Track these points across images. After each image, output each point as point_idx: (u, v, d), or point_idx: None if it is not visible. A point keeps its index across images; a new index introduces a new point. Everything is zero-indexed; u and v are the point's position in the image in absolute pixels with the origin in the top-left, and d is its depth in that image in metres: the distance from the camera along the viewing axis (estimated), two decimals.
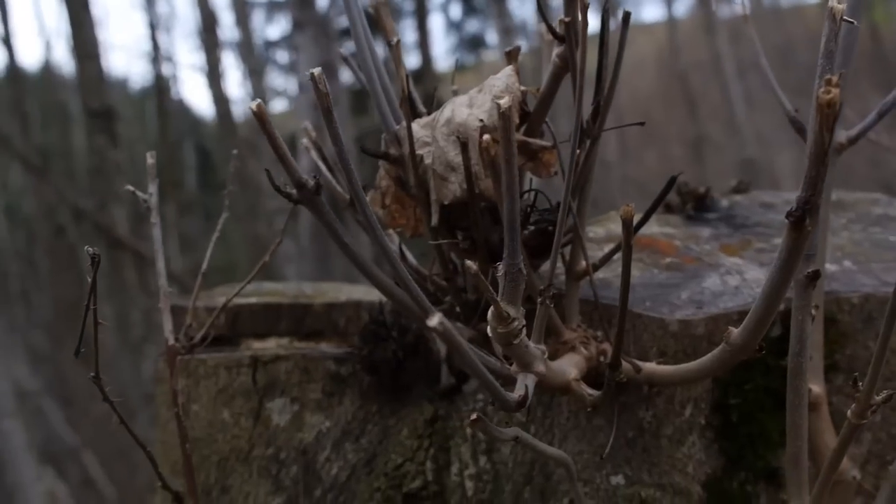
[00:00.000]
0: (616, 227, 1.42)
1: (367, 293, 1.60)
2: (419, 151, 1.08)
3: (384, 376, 1.27)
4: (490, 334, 0.87)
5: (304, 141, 1.21)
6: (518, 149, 1.08)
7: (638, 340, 1.16)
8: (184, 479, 1.14)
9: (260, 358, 1.32)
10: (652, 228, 1.41)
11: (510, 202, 0.80)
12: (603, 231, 1.41)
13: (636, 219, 1.16)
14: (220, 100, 7.28)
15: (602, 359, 1.11)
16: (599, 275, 1.24)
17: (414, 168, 1.07)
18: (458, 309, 1.15)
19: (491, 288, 0.81)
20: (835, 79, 0.73)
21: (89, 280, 0.91)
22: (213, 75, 7.14)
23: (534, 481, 1.17)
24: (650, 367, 1.07)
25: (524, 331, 0.87)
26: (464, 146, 1.01)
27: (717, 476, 1.14)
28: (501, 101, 0.77)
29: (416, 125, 1.11)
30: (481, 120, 1.04)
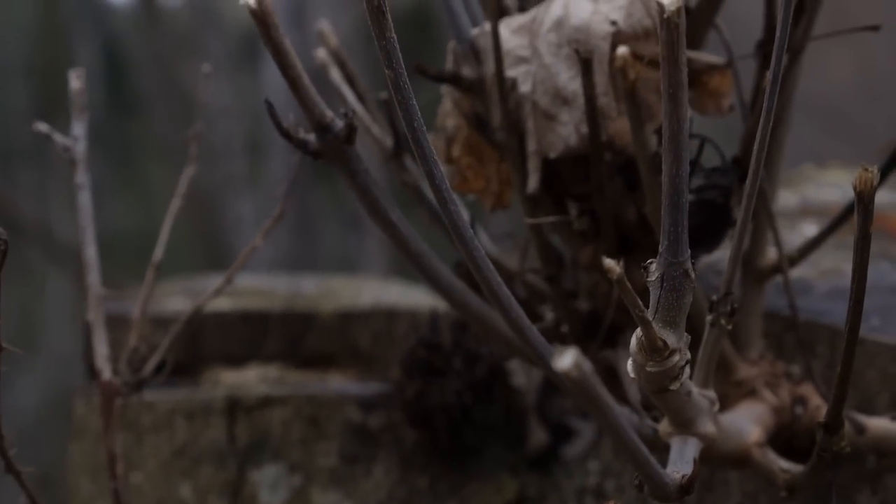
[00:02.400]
0: (815, 192, 1.42)
1: (404, 294, 1.61)
2: (511, 73, 1.08)
3: (440, 431, 1.28)
4: (634, 373, 0.87)
5: (321, 52, 1.22)
6: None
7: (858, 381, 1.16)
8: None
9: (240, 400, 1.34)
10: (882, 196, 1.40)
11: (674, 161, 0.81)
12: (795, 199, 1.41)
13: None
14: None
15: (799, 409, 1.11)
16: (794, 273, 1.23)
17: (502, 100, 1.07)
18: (564, 327, 1.16)
19: (639, 301, 0.81)
20: None
21: None
22: None
23: None
24: (880, 425, 1.07)
25: (688, 368, 0.88)
26: (585, 65, 1.01)
27: None
28: (666, 1, 0.77)
29: (505, 28, 1.11)
30: (614, 22, 1.04)
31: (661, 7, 0.77)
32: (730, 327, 0.95)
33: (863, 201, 0.82)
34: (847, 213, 1.13)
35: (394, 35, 0.88)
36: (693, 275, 0.85)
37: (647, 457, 0.80)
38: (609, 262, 0.79)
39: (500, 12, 1.19)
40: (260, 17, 0.96)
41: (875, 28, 1.09)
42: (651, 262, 0.85)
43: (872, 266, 1.26)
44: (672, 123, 0.80)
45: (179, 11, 7.76)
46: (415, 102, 0.88)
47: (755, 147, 0.89)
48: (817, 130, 9.11)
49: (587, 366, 0.67)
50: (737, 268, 0.93)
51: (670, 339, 0.85)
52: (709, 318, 0.94)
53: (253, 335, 1.53)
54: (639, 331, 0.85)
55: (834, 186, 1.41)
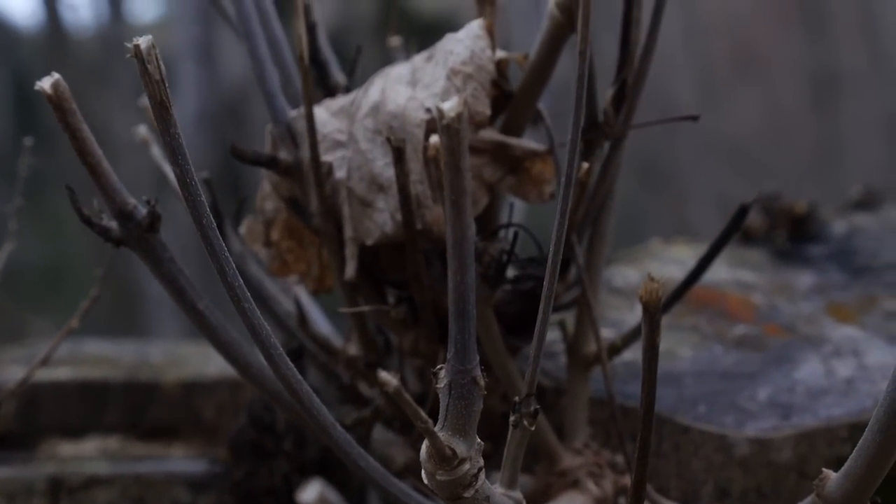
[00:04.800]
0: (660, 268, 1.41)
1: None
2: (327, 157, 1.06)
3: None
4: (426, 480, 0.85)
5: (141, 129, 1.19)
6: (492, 155, 1.07)
7: (685, 471, 1.14)
8: None
9: (64, 480, 1.30)
10: (720, 272, 1.40)
11: (458, 269, 0.79)
12: (637, 275, 1.40)
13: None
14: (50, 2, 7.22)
15: (622, 501, 1.10)
16: (625, 357, 1.22)
17: (318, 185, 1.05)
18: (389, 412, 1.13)
19: (421, 412, 0.79)
20: None
21: None
22: None
23: None
24: None
25: (481, 474, 0.86)
26: (398, 153, 0.98)
27: None
28: (446, 106, 0.75)
29: (322, 111, 1.09)
30: (429, 109, 1.02)
31: (440, 113, 0.75)
32: (532, 428, 0.93)
33: (649, 312, 0.80)
34: (673, 299, 1.12)
35: (179, 131, 0.85)
36: (482, 382, 0.83)
37: None
38: (384, 376, 0.76)
39: (327, 91, 1.17)
40: (56, 102, 0.93)
41: (695, 118, 1.09)
42: (441, 368, 0.83)
43: (705, 349, 1.26)
44: (455, 231, 0.78)
45: (89, 42, 7.67)
46: (203, 199, 0.86)
47: (552, 241, 0.87)
48: (726, 171, 9.24)
49: (332, 497, 0.64)
50: (537, 368, 0.91)
51: (460, 447, 0.83)
52: (511, 418, 0.92)
53: (93, 405, 1.49)
54: (427, 442, 0.82)
55: (678, 262, 1.40)
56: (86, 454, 1.45)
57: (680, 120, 1.09)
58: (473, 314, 0.81)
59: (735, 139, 9.58)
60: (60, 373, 1.48)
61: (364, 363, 1.12)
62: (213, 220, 0.86)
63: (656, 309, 0.81)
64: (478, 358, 0.82)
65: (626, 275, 1.39)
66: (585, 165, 1.01)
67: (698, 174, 8.70)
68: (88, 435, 1.48)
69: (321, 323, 1.27)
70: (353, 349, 1.17)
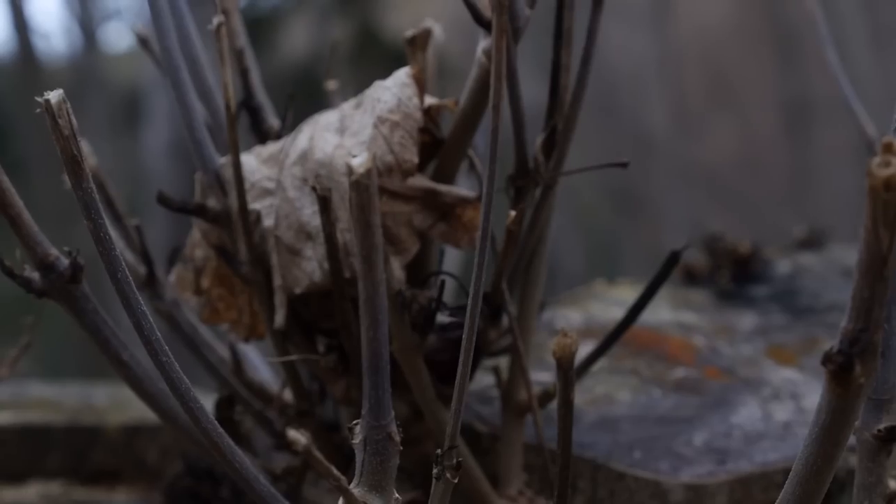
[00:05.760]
0: (602, 310, 1.41)
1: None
2: (256, 205, 1.05)
3: None
4: None
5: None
6: (422, 202, 1.06)
7: None
8: None
9: None
10: (662, 314, 1.40)
11: (371, 324, 0.78)
12: (580, 317, 1.39)
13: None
14: (21, 28, 7.21)
15: None
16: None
17: (246, 233, 1.04)
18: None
19: (333, 470, 0.78)
20: None
21: None
22: None
23: None
24: None
25: None
26: (323, 202, 0.98)
27: None
28: (355, 162, 0.75)
29: (252, 158, 1.08)
30: (355, 157, 1.02)
31: (349, 169, 0.75)
32: (456, 480, 0.92)
33: (562, 368, 0.80)
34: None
35: (92, 185, 0.85)
36: (398, 438, 0.82)
37: None
38: (293, 434, 0.76)
39: (261, 136, 1.17)
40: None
41: (624, 164, 1.08)
42: (357, 424, 0.82)
43: (644, 393, 1.25)
44: (367, 287, 0.78)
45: (61, 70, 7.66)
46: (118, 253, 0.85)
47: (470, 292, 0.86)
48: (700, 197, 9.28)
49: None
50: (459, 420, 0.90)
51: (376, 503, 0.82)
52: (434, 471, 0.91)
53: (34, 450, 1.47)
54: (342, 500, 0.82)
55: (621, 304, 1.39)
56: (27, 499, 1.43)
57: (610, 167, 1.09)
58: (387, 369, 0.80)
59: (709, 166, 9.64)
60: (2, 417, 1.47)
61: (295, 411, 1.11)
62: (128, 275, 0.85)
63: (569, 365, 0.80)
64: (392, 413, 0.81)
65: (568, 317, 1.38)
66: (512, 214, 1.01)
67: (673, 201, 8.73)
68: (30, 480, 1.46)
69: (260, 369, 1.27)
70: (287, 396, 1.16)
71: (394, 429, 0.82)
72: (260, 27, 7.77)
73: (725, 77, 9.85)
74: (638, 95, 9.30)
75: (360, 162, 0.75)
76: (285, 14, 7.99)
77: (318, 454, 0.77)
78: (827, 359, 0.77)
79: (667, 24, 8.96)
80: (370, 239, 0.77)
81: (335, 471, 0.79)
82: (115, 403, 1.55)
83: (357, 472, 0.82)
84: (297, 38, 7.93)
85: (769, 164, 9.31)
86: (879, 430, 0.90)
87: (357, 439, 0.82)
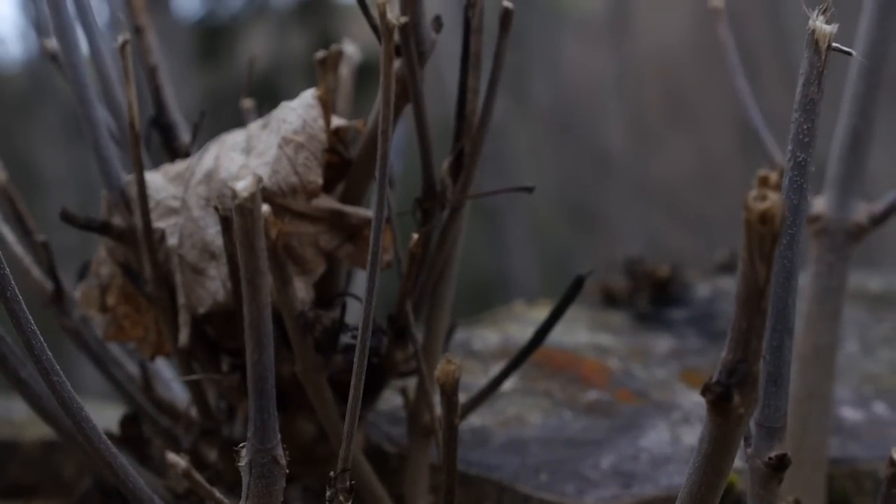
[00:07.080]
0: (520, 331, 1.41)
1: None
2: (160, 224, 1.05)
3: None
4: None
5: None
6: (329, 223, 1.07)
7: None
8: None
9: None
10: (579, 335, 1.40)
11: (256, 348, 0.78)
12: (497, 338, 1.40)
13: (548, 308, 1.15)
14: None
15: None
16: (474, 421, 1.22)
17: (150, 252, 1.04)
18: (230, 478, 1.12)
19: (215, 493, 0.78)
20: (773, 177, 0.73)
21: None
22: None
23: None
24: None
25: None
26: (225, 222, 0.98)
27: None
28: (239, 186, 0.75)
29: (159, 177, 1.08)
30: (260, 178, 1.02)
31: (233, 193, 0.75)
32: (350, 503, 0.92)
33: (446, 393, 0.80)
34: (506, 371, 1.12)
35: None
36: (284, 461, 0.82)
37: None
38: (172, 458, 0.75)
39: (172, 154, 1.16)
40: None
41: (530, 189, 1.09)
42: (243, 446, 0.82)
43: (555, 415, 1.26)
44: (252, 310, 0.78)
45: (15, 78, 7.60)
46: (7, 273, 0.84)
47: (361, 318, 0.86)
48: (656, 213, 9.32)
49: None
50: (352, 441, 0.90)
51: None
52: (328, 493, 0.91)
53: None
54: None
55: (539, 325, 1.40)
56: None
57: (517, 191, 1.09)
58: (272, 393, 0.80)
59: (665, 183, 9.69)
60: None
61: (201, 429, 1.11)
62: (18, 294, 0.84)
63: (453, 391, 0.80)
64: (279, 437, 0.81)
65: (485, 338, 1.39)
66: (415, 236, 1.01)
67: (629, 217, 8.76)
68: None
69: (172, 386, 1.26)
70: (194, 413, 1.16)
71: (280, 452, 0.81)
72: (219, 36, 7.78)
73: (683, 96, 9.92)
74: (596, 113, 9.34)
75: (244, 186, 0.75)
76: (244, 23, 7.97)
77: (198, 476, 0.77)
78: (706, 389, 0.77)
79: (625, 43, 9.00)
80: (254, 263, 0.77)
81: (217, 493, 0.79)
82: (33, 418, 1.53)
83: (244, 495, 0.82)
84: (257, 48, 7.91)
85: (724, 182, 9.36)
86: (770, 458, 0.91)
87: (243, 462, 0.81)
